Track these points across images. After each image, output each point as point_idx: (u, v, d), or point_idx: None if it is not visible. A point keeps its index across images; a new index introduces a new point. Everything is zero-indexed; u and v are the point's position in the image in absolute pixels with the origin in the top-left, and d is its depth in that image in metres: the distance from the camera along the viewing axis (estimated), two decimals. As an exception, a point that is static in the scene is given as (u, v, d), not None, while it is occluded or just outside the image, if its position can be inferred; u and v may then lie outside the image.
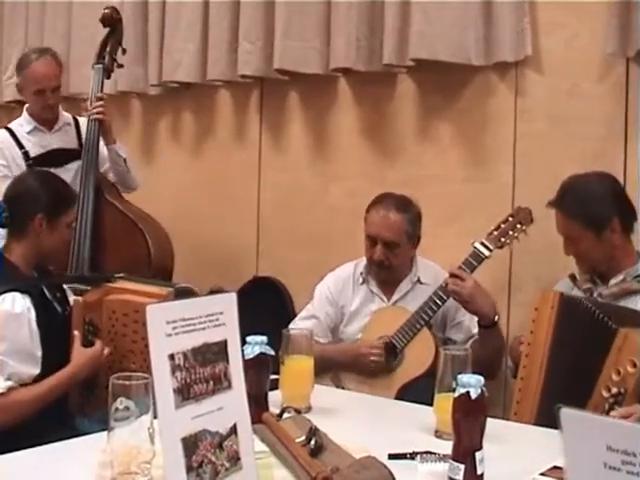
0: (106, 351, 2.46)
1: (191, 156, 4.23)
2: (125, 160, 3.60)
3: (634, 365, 2.14)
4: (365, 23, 3.45)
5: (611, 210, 2.55)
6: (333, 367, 2.95)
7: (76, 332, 2.48)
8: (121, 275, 2.63)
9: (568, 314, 2.36)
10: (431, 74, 3.39)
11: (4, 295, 2.39)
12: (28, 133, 3.60)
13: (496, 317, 2.89)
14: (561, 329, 2.36)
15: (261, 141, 3.98)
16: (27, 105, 3.68)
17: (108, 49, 3.68)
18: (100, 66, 3.65)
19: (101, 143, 3.59)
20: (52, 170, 3.32)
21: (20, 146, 3.55)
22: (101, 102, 3.53)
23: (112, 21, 3.70)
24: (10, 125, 3.65)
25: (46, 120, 3.62)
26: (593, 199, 2.57)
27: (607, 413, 2.16)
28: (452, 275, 2.84)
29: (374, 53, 3.46)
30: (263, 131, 3.98)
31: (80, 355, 2.44)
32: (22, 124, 3.64)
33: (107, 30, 3.70)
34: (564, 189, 2.62)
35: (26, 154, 3.54)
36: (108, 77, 3.73)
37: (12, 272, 2.51)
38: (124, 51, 3.80)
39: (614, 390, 2.17)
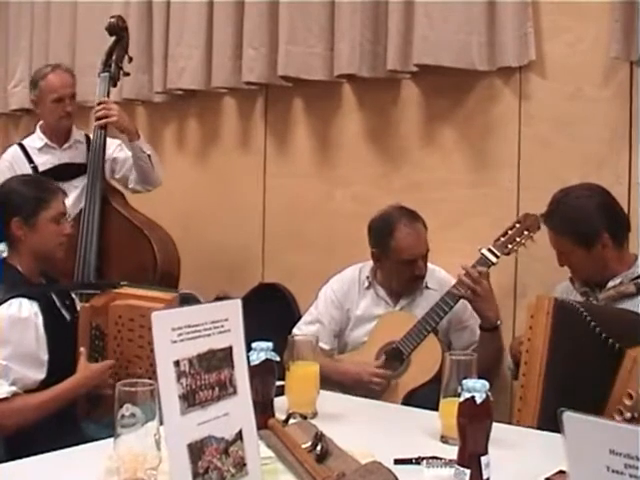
0: (111, 371, 2.46)
1: (196, 163, 4.24)
2: (149, 156, 3.59)
3: None
4: (369, 29, 3.45)
5: (600, 226, 2.54)
6: (332, 386, 2.93)
7: (82, 349, 2.48)
8: (125, 283, 2.64)
9: (564, 322, 2.33)
10: (435, 79, 3.40)
11: (11, 300, 2.40)
12: (39, 150, 3.64)
13: (498, 322, 2.90)
14: (557, 337, 2.33)
15: (266, 147, 3.99)
16: (40, 122, 3.72)
17: (114, 57, 3.69)
18: (106, 74, 3.66)
19: (113, 149, 3.64)
20: (60, 184, 3.37)
21: (30, 161, 3.60)
22: (102, 105, 3.53)
23: (118, 29, 3.71)
24: (23, 141, 3.71)
25: (59, 135, 3.65)
26: (581, 216, 2.57)
27: None
28: (467, 273, 2.84)
29: (378, 59, 3.46)
30: (268, 137, 3.99)
31: (85, 369, 2.44)
32: (34, 140, 3.69)
33: (113, 39, 3.72)
34: (553, 205, 2.64)
35: (35, 169, 3.58)
36: (114, 85, 3.75)
37: (18, 279, 2.52)
38: (130, 59, 3.81)
39: (627, 415, 2.12)
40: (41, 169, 3.59)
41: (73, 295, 2.68)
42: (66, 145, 3.66)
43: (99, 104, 3.56)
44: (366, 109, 3.67)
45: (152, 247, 3.49)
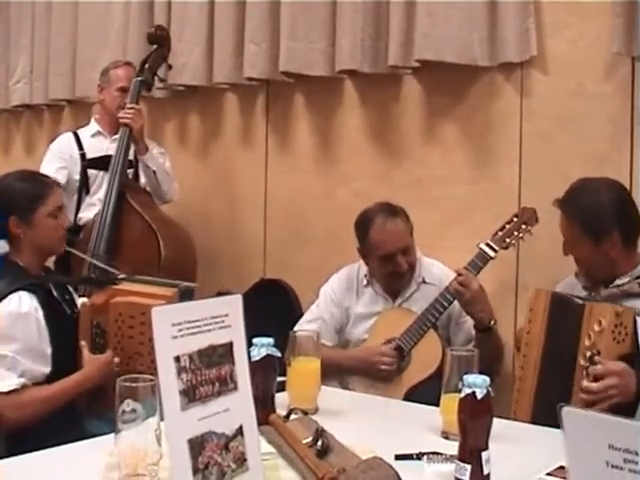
0: (117, 360, 2.45)
1: (198, 159, 4.24)
2: (155, 172, 3.75)
3: (600, 323, 2.21)
4: (370, 24, 3.45)
5: (613, 223, 2.52)
6: (341, 373, 2.94)
7: (83, 342, 2.48)
8: (123, 276, 2.64)
9: (559, 315, 2.37)
10: (436, 75, 3.40)
11: (11, 295, 2.40)
12: (91, 136, 3.96)
13: (491, 322, 2.90)
14: (553, 330, 2.38)
15: (267, 143, 3.99)
16: (96, 115, 4.05)
17: (147, 65, 3.82)
18: (138, 79, 3.80)
19: (155, 151, 3.83)
20: (102, 173, 3.78)
21: (80, 147, 3.90)
22: (132, 110, 3.70)
23: (157, 38, 3.86)
24: (78, 130, 4.02)
25: (112, 125, 3.89)
26: (596, 208, 2.54)
27: (587, 378, 2.23)
28: (458, 275, 2.85)
29: (379, 54, 3.46)
30: (269, 133, 3.99)
31: (91, 362, 2.44)
32: (87, 128, 4.01)
33: (154, 47, 3.86)
34: (571, 191, 2.61)
35: (83, 155, 3.89)
36: (148, 90, 3.94)
37: (19, 274, 2.51)
38: (170, 67, 3.96)
39: (588, 354, 2.23)
40: (88, 156, 3.88)
41: (71, 289, 2.67)
42: (115, 136, 3.83)
43: (130, 108, 3.72)
44: (367, 105, 3.67)
45: (158, 243, 3.54)
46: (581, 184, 2.61)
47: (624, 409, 2.16)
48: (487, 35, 3.18)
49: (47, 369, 2.41)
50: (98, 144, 3.92)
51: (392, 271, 2.99)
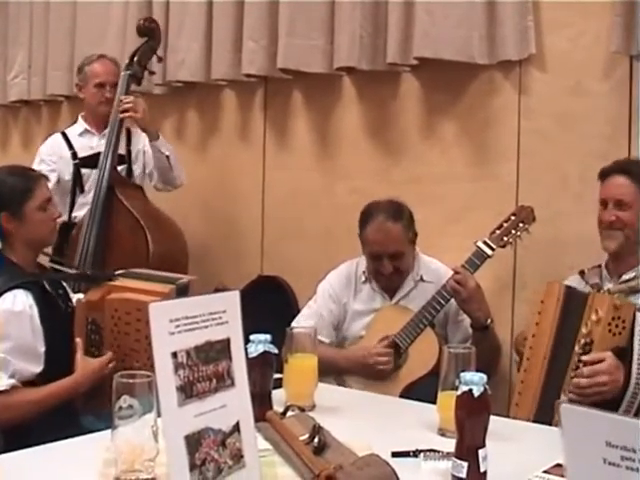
0: (111, 365, 2.44)
1: (196, 155, 4.24)
2: (168, 157, 3.69)
3: (597, 313, 2.25)
4: (369, 22, 3.45)
5: None
6: (338, 373, 2.94)
7: (78, 340, 2.46)
8: (121, 272, 2.63)
9: (569, 304, 2.39)
10: (435, 73, 3.39)
11: (5, 294, 2.39)
12: (79, 135, 3.89)
13: (488, 321, 2.89)
14: (563, 320, 2.39)
15: (265, 140, 3.99)
16: (82, 113, 3.96)
17: (136, 59, 3.78)
18: (127, 72, 3.76)
19: (145, 143, 3.77)
20: (95, 171, 3.69)
21: (70, 147, 3.84)
22: (128, 103, 3.63)
23: (146, 30, 3.81)
24: (65, 130, 3.97)
25: (99, 121, 3.83)
26: None
27: (577, 366, 2.26)
28: (456, 273, 2.85)
29: (378, 52, 3.46)
30: (267, 130, 3.98)
31: (83, 368, 2.42)
32: (75, 127, 3.94)
33: (144, 39, 3.81)
34: (624, 160, 2.66)
35: (74, 154, 3.82)
36: (138, 84, 3.87)
37: (13, 271, 2.50)
38: (160, 59, 3.91)
39: (582, 341, 2.27)
40: (80, 155, 3.82)
41: (65, 284, 2.67)
42: (105, 132, 3.76)
43: (126, 99, 3.65)
44: (366, 102, 3.66)
45: (146, 238, 3.52)
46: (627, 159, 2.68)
47: (608, 402, 2.18)
48: (486, 33, 3.18)
49: (38, 368, 2.40)
50: (87, 142, 3.86)
51: (377, 269, 3.00)
